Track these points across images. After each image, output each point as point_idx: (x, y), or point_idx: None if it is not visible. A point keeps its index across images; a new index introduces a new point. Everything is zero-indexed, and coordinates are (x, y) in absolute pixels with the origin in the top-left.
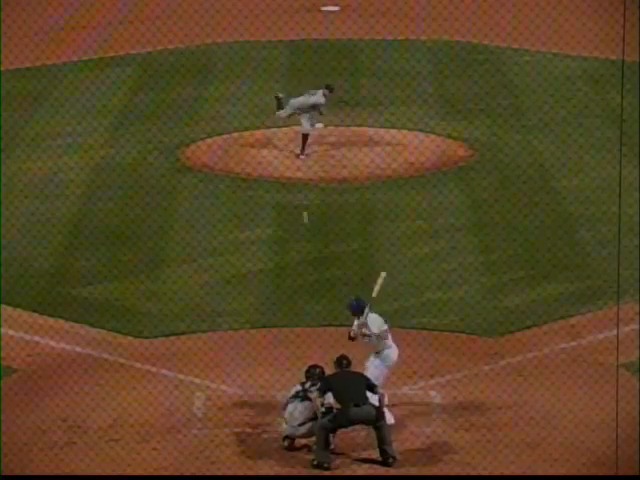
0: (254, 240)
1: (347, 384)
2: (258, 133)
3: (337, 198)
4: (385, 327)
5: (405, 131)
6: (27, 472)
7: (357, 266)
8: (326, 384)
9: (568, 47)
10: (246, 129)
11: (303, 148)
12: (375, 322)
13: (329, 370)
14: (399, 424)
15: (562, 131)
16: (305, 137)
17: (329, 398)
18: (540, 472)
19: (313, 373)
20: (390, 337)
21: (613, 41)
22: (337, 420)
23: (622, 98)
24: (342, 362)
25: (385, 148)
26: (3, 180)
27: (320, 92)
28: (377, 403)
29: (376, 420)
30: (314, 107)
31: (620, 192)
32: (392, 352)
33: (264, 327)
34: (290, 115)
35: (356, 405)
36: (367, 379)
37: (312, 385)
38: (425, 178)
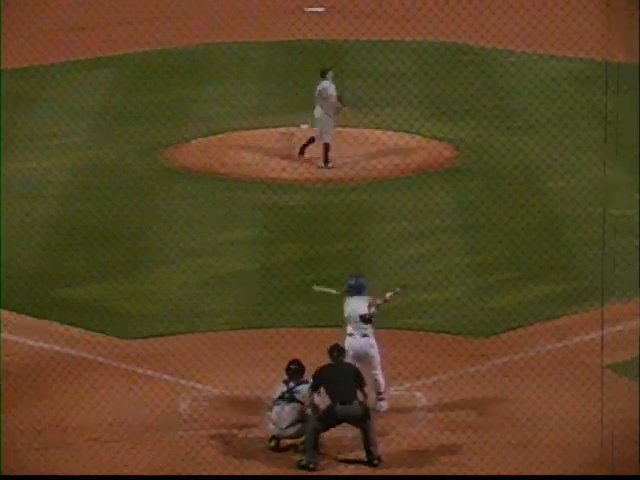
0: (240, 241)
1: (337, 379)
2: (243, 134)
3: (322, 199)
4: (345, 315)
5: (391, 132)
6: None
7: (343, 267)
8: (318, 379)
9: (553, 48)
10: (231, 130)
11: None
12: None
13: (307, 366)
14: (385, 425)
15: (548, 132)
16: (326, 146)
17: (315, 398)
18: (527, 473)
19: (293, 370)
20: (350, 326)
21: (598, 42)
22: (325, 418)
23: (607, 99)
24: (333, 353)
25: (370, 149)
26: None
27: (324, 82)
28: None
29: (363, 419)
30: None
31: (605, 193)
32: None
33: (250, 328)
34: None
35: (342, 403)
36: (358, 374)
37: (297, 385)
38: (411, 179)
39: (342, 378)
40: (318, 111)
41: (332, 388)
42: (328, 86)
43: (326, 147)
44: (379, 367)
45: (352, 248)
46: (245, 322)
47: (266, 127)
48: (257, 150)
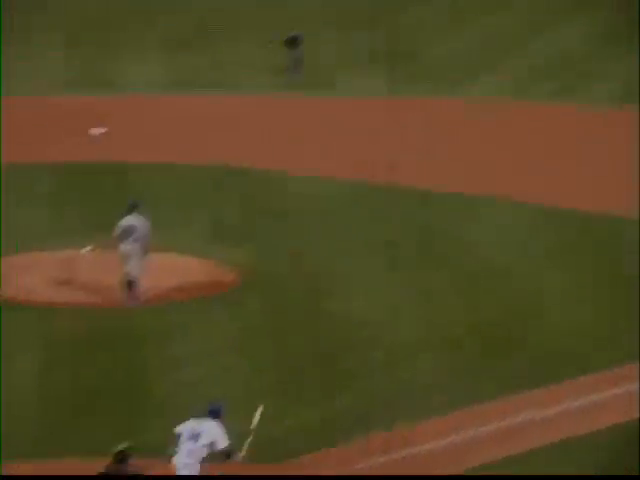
0: (18, 369)
1: None
2: (22, 257)
3: (105, 323)
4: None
5: (177, 255)
6: None
7: (126, 393)
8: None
9: (338, 171)
10: (12, 253)
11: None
12: None
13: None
14: None
15: (332, 257)
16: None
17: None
18: None
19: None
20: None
21: (382, 165)
22: None
23: (391, 225)
24: (117, 457)
25: (156, 272)
26: None
27: (132, 218)
28: None
29: None
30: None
31: (392, 316)
32: None
33: (30, 458)
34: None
35: None
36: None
37: None
38: (195, 302)
39: None
40: (125, 247)
41: None
42: (140, 222)
43: (134, 283)
44: None
45: (136, 372)
46: (25, 453)
47: (47, 250)
48: (37, 274)
